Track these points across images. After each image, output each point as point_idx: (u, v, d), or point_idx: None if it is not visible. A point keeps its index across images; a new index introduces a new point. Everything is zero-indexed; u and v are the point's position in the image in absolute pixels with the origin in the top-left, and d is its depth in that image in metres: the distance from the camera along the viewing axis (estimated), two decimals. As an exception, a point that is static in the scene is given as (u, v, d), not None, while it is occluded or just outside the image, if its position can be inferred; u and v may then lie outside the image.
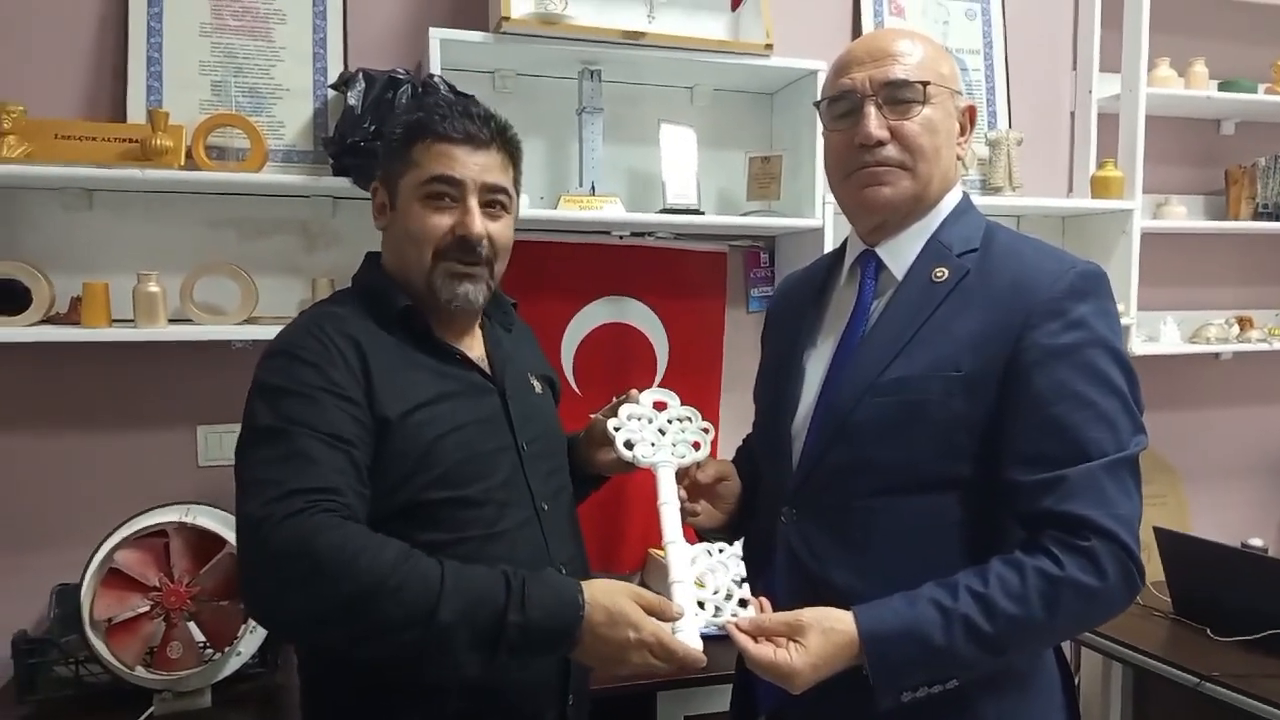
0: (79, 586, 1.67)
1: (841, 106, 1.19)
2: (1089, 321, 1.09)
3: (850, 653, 1.04)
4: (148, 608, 1.65)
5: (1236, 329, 2.66)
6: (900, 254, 1.20)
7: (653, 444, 1.32)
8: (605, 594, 1.07)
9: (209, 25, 1.93)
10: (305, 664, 1.28)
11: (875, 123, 1.15)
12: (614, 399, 1.42)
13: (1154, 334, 2.60)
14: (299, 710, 1.32)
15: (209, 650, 1.70)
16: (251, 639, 1.73)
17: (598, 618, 1.05)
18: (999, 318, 1.10)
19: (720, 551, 1.19)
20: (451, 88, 1.79)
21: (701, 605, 1.12)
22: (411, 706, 1.17)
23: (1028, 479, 1.06)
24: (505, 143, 1.27)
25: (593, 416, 1.44)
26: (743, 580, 1.16)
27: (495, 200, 1.25)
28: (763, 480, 1.29)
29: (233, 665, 1.72)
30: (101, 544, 1.68)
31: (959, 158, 1.22)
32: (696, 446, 1.33)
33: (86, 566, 1.66)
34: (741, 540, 1.23)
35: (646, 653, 1.05)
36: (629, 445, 1.31)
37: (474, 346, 1.32)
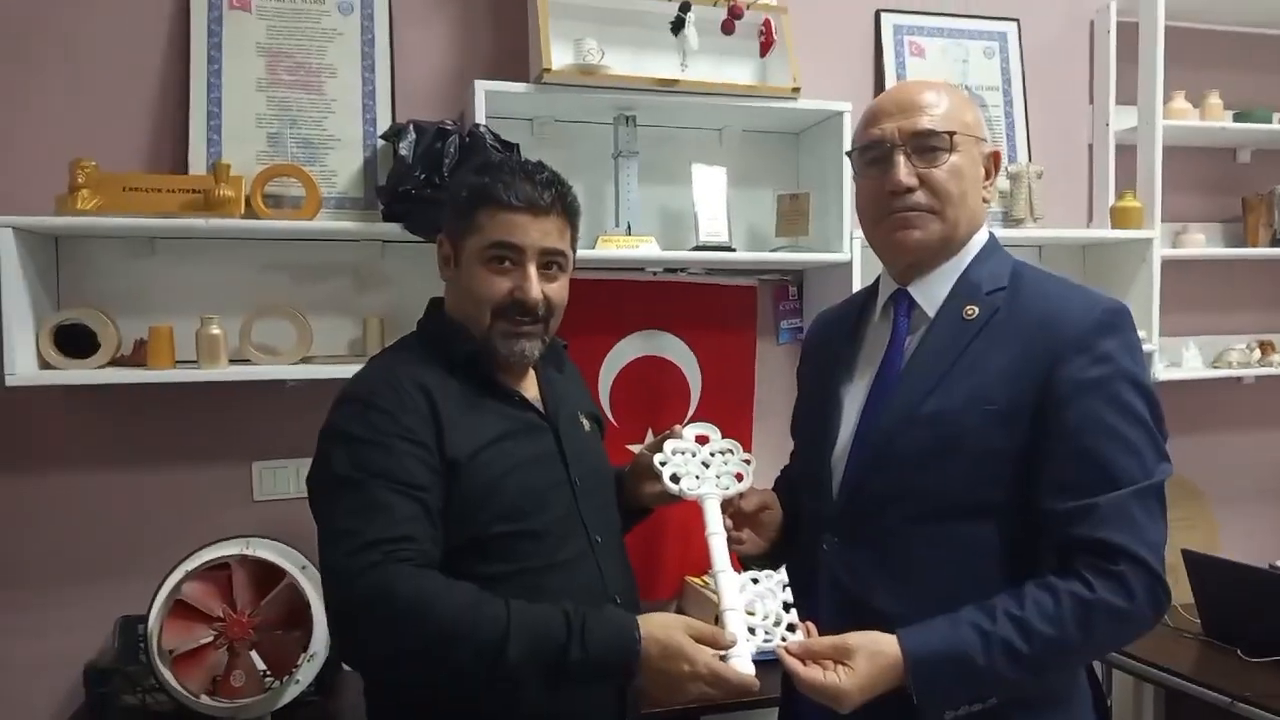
0: (140, 618, 1.75)
1: (872, 155, 1.25)
2: (1115, 356, 1.14)
3: (895, 674, 1.09)
4: (212, 638, 1.72)
5: (1258, 353, 2.70)
6: (931, 292, 1.26)
7: (697, 477, 1.38)
8: (661, 628, 1.13)
9: (264, 80, 2.04)
10: (371, 692, 1.35)
11: (905, 171, 1.22)
12: (650, 434, 1.48)
13: (1177, 359, 2.65)
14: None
15: (269, 678, 1.77)
16: (309, 667, 1.79)
17: (653, 651, 1.12)
18: (1029, 353, 1.16)
19: (768, 579, 1.24)
20: (497, 137, 1.88)
21: (752, 631, 1.17)
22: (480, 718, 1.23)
23: (1061, 507, 1.12)
24: (565, 207, 1.34)
25: (637, 451, 1.50)
26: (790, 606, 1.21)
27: (552, 262, 1.32)
28: (804, 509, 1.35)
29: (291, 693, 1.78)
30: (167, 577, 1.76)
31: (985, 200, 1.28)
32: (739, 478, 1.39)
33: (153, 599, 1.74)
34: (781, 558, 1.29)
35: (701, 683, 1.12)
36: (675, 479, 1.37)
37: (529, 387, 1.39)
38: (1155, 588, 1.10)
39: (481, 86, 1.95)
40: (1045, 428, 1.14)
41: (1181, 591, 2.28)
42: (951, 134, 1.21)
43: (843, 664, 1.10)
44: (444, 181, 1.82)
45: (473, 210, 1.30)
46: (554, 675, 1.11)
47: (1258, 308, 2.85)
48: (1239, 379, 2.77)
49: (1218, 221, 2.80)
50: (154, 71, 2.02)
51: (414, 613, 1.10)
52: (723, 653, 1.13)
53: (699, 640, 1.13)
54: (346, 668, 1.98)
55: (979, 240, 1.28)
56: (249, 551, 1.78)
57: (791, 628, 1.18)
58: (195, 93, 1.99)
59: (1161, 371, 2.53)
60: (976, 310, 1.22)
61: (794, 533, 1.38)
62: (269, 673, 1.76)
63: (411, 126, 1.88)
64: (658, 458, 1.39)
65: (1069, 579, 1.10)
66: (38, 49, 1.97)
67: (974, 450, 1.16)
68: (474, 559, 1.22)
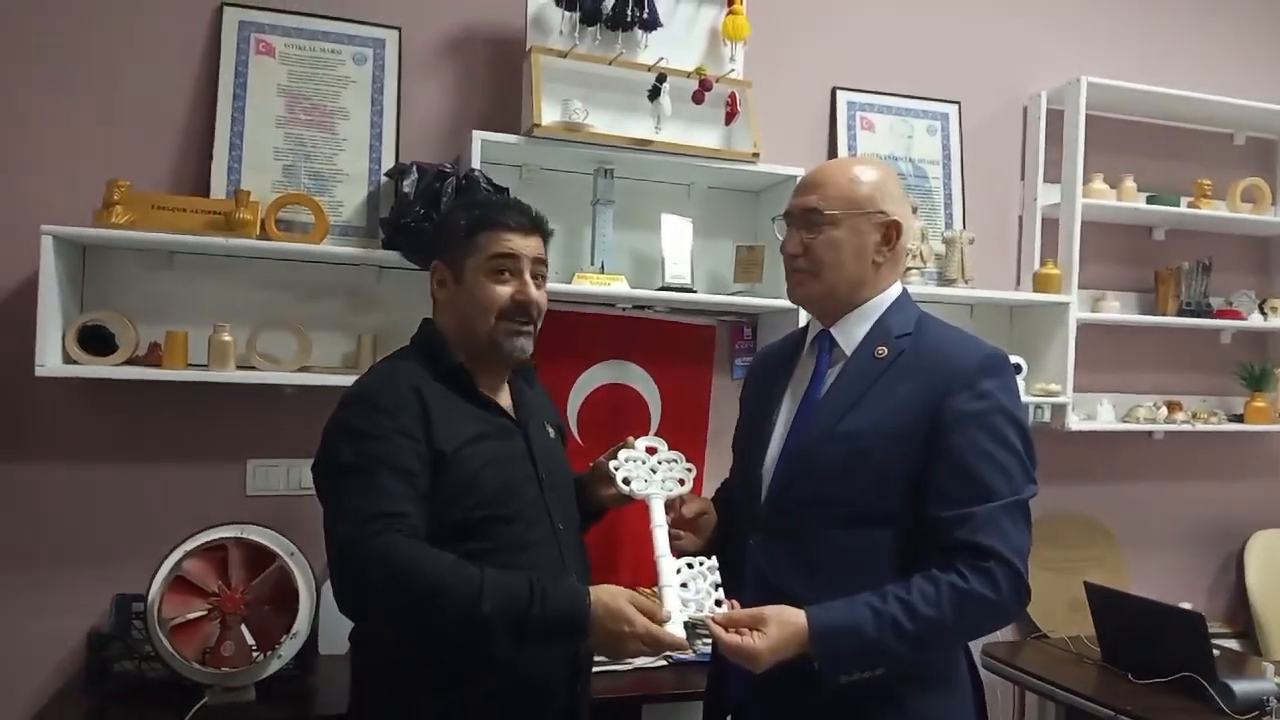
0: (136, 597, 1.91)
1: (782, 224, 1.54)
2: (994, 394, 1.40)
3: (800, 641, 1.32)
4: (206, 611, 1.91)
5: (1164, 411, 2.98)
6: (850, 334, 1.51)
7: (645, 480, 1.61)
8: (609, 596, 1.36)
9: (283, 118, 2.29)
10: (358, 655, 1.56)
11: (791, 240, 1.50)
12: (612, 448, 1.72)
13: (1092, 413, 2.93)
14: (345, 700, 1.59)
15: (256, 652, 1.95)
16: (291, 644, 1.97)
17: (600, 614, 1.34)
18: (925, 388, 1.41)
19: (701, 564, 1.47)
20: (489, 180, 2.13)
21: (685, 604, 1.40)
22: (451, 688, 1.44)
23: (944, 514, 1.36)
24: (543, 229, 1.61)
25: (594, 463, 1.73)
26: (718, 585, 1.44)
27: (539, 272, 1.58)
28: (737, 513, 1.57)
29: (274, 666, 1.95)
30: (169, 554, 1.95)
31: (876, 263, 1.48)
32: (681, 482, 1.62)
33: (155, 573, 1.93)
34: (717, 554, 1.51)
35: (639, 643, 1.34)
36: (626, 481, 1.60)
37: (504, 397, 1.62)
38: (1018, 584, 1.34)
39: (478, 136, 2.21)
40: (933, 449, 1.38)
41: (1085, 623, 2.53)
42: (833, 213, 1.46)
43: (758, 630, 1.32)
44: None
45: (473, 235, 1.54)
46: (519, 631, 1.33)
47: (1167, 370, 3.14)
48: (1150, 434, 3.04)
49: (1134, 291, 3.10)
50: (184, 105, 2.27)
51: (407, 572, 1.32)
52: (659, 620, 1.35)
53: (639, 610, 1.34)
54: (324, 652, 2.17)
55: (892, 294, 1.53)
56: (244, 535, 1.97)
57: (719, 603, 1.41)
58: (220, 126, 2.23)
59: (1077, 423, 2.80)
60: (886, 350, 1.46)
61: (727, 536, 1.60)
62: (256, 646, 1.94)
63: (414, 167, 2.12)
64: (612, 463, 1.62)
65: (948, 572, 1.33)
66: (81, 80, 2.21)
67: (877, 466, 1.40)
68: (458, 538, 1.43)
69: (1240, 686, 2.12)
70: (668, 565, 1.45)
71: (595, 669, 2.07)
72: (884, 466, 1.40)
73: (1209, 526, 3.21)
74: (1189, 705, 2.14)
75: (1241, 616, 3.13)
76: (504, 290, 1.54)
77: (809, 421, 1.47)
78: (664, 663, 2.17)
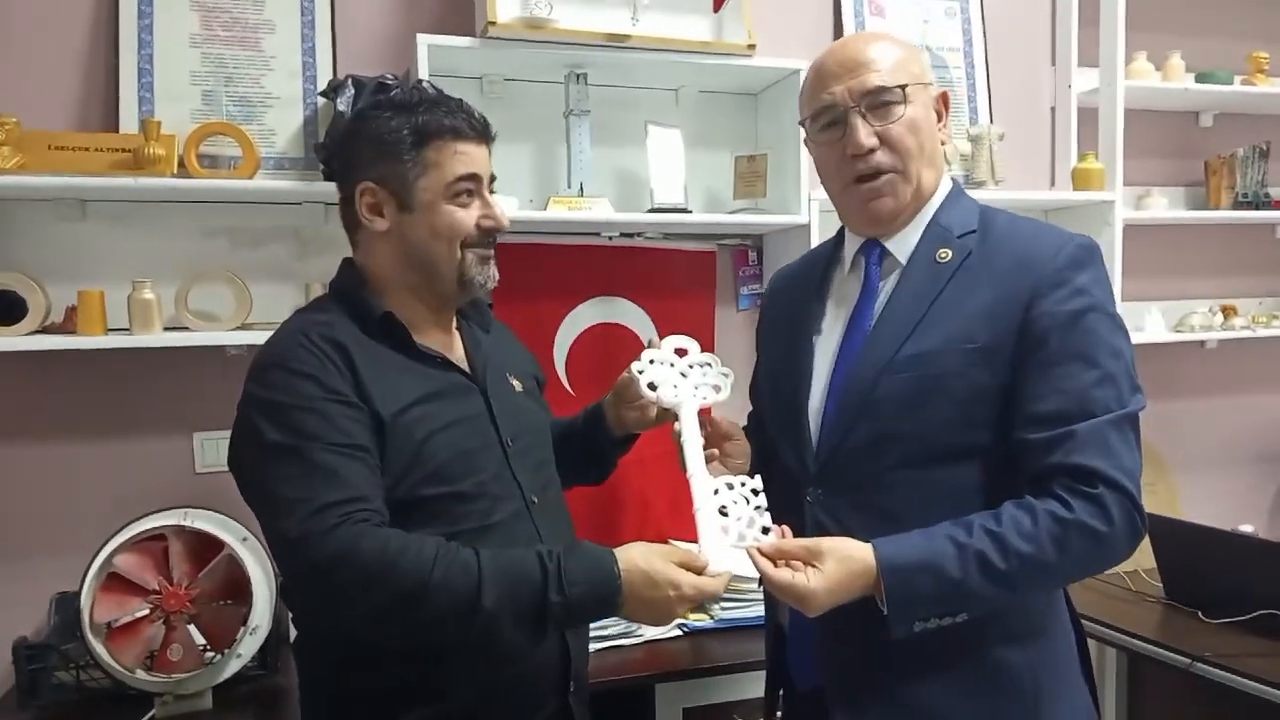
0: (78, 594, 1.69)
1: (826, 119, 1.23)
2: (1090, 289, 1.15)
3: (865, 581, 1.09)
4: (147, 611, 1.67)
5: (1220, 317, 2.70)
6: (903, 240, 1.26)
7: (675, 386, 1.37)
8: (643, 558, 1.13)
9: (199, 36, 1.96)
10: (306, 667, 1.32)
11: (864, 132, 1.20)
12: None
13: (1140, 324, 2.63)
14: (300, 711, 1.35)
15: (209, 653, 1.71)
16: (251, 641, 1.74)
17: (637, 582, 1.11)
18: (1007, 291, 1.16)
19: (742, 485, 1.23)
20: (440, 93, 1.81)
21: (725, 531, 1.17)
22: (418, 698, 1.20)
23: (1038, 436, 1.12)
24: (490, 136, 1.34)
25: (619, 378, 1.48)
26: (763, 509, 1.20)
27: (492, 188, 1.33)
28: (780, 463, 1.32)
29: (233, 667, 1.73)
30: (101, 549, 1.70)
31: (941, 143, 1.27)
32: (716, 389, 1.38)
33: (86, 571, 1.68)
34: (760, 475, 1.27)
35: (688, 603, 1.12)
36: (653, 387, 1.36)
37: (453, 348, 1.36)
38: (1133, 513, 1.11)
39: (424, 40, 1.88)
40: (1024, 362, 1.14)
41: (1143, 555, 2.28)
42: (903, 87, 1.20)
43: (812, 566, 1.09)
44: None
45: (420, 148, 1.27)
46: (536, 620, 1.10)
47: (1220, 271, 2.85)
48: (1201, 343, 2.78)
49: (1180, 185, 2.79)
50: (82, 24, 1.94)
51: (382, 571, 1.08)
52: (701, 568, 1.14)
53: (679, 565, 1.13)
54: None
55: (944, 186, 1.28)
56: (186, 522, 1.72)
57: (765, 530, 1.18)
58: (125, 48, 1.91)
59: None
60: (950, 253, 1.22)
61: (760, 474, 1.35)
62: (208, 646, 1.71)
63: (350, 81, 1.81)
64: (635, 366, 1.39)
65: (1047, 499, 1.10)
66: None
67: (957, 390, 1.16)
68: (406, 521, 1.17)
69: (1333, 624, 1.88)
70: (702, 485, 1.21)
71: (600, 645, 1.85)
72: (965, 392, 1.15)
73: (1267, 441, 2.94)
74: (1275, 647, 1.89)
75: (1306, 537, 2.88)
76: (468, 215, 1.28)
77: (865, 348, 1.22)
78: (678, 632, 1.94)
